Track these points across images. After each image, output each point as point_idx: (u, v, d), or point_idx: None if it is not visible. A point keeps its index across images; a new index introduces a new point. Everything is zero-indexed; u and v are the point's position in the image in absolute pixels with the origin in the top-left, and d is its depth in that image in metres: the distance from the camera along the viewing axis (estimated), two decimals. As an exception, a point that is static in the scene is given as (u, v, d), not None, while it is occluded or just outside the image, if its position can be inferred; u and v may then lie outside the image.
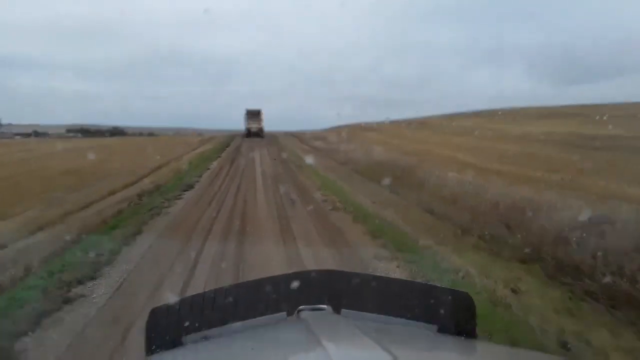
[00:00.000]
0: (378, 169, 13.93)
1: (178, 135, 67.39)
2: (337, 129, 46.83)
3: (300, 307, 1.18)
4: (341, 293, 1.22)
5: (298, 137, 43.10)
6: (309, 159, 19.93)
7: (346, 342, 0.95)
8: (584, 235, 5.34)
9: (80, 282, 4.73)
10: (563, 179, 9.82)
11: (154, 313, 1.21)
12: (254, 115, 42.95)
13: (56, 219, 7.76)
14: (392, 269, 5.23)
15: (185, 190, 11.25)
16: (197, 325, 1.15)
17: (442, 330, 1.15)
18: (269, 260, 5.61)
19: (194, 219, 8.09)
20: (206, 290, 1.25)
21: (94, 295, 4.46)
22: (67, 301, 4.28)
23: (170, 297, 1.24)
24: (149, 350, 1.15)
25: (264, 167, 18.30)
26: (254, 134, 41.07)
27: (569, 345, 3.47)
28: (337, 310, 1.17)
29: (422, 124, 42.75)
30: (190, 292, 4.13)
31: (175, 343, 1.13)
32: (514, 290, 4.51)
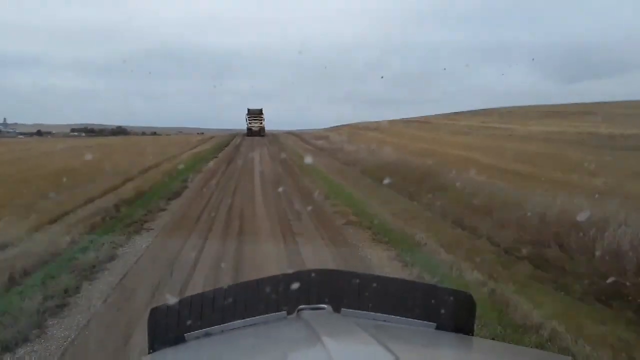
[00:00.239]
0: (388, 171, 12.67)
1: (180, 134, 70.62)
2: (338, 128, 46.04)
3: (301, 306, 1.16)
4: (341, 293, 1.21)
5: (299, 136, 42.33)
6: (312, 160, 18.84)
7: (346, 340, 0.96)
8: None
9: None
10: (606, 184, 8.63)
11: (154, 312, 1.20)
12: (255, 114, 44.00)
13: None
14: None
15: (170, 199, 9.74)
16: (197, 324, 1.15)
17: (440, 328, 1.15)
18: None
19: (172, 253, 5.84)
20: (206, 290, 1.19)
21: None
22: None
23: (170, 298, 1.18)
24: (152, 347, 1.16)
25: (263, 167, 17.19)
26: (255, 132, 42.30)
27: None
28: (337, 309, 1.16)
29: (424, 123, 41.79)
30: None
31: (177, 340, 1.13)
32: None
